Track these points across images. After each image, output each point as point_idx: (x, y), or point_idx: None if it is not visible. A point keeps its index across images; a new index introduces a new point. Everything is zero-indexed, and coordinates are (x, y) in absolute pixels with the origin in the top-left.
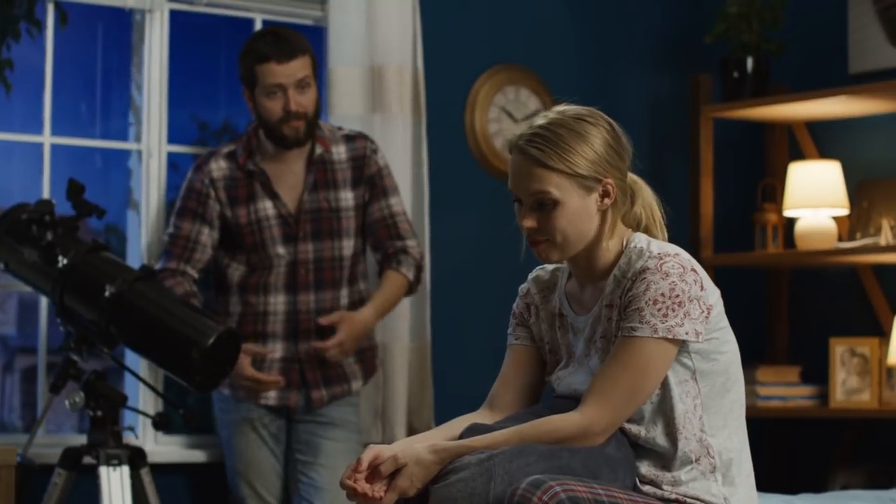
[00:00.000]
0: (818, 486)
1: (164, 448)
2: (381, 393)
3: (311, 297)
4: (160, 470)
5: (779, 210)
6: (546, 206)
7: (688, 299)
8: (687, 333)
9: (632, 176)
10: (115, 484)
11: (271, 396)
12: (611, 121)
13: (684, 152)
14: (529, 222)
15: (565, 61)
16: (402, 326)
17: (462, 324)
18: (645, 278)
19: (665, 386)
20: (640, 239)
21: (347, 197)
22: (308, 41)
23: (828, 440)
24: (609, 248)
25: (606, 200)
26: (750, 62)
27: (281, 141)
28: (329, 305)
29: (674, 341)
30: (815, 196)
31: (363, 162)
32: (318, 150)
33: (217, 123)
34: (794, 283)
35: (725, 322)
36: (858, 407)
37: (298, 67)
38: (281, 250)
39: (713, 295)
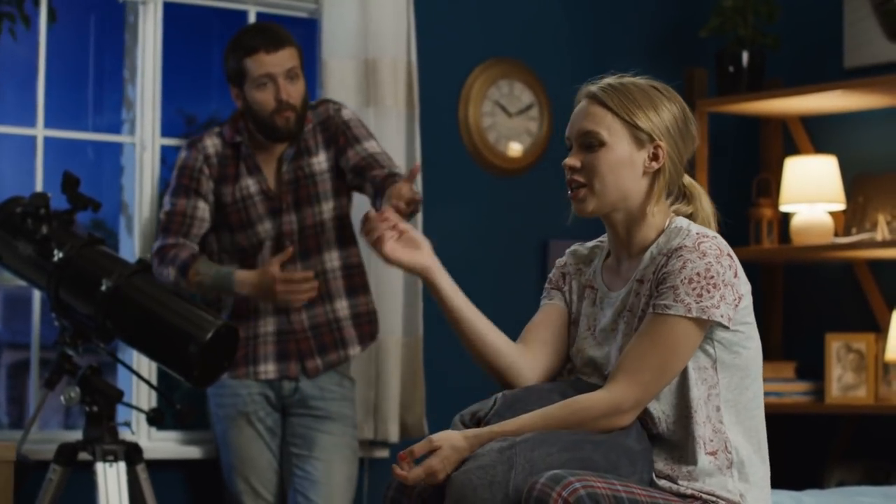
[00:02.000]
0: (814, 483)
1: (158, 444)
2: (375, 388)
3: (298, 268)
4: (154, 466)
5: (774, 205)
6: (593, 148)
7: (722, 282)
8: (721, 316)
9: (692, 181)
10: (111, 480)
11: (270, 371)
12: (684, 104)
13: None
14: (572, 160)
15: (559, 55)
16: (394, 321)
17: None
18: (681, 256)
19: (683, 370)
20: (681, 220)
21: (321, 160)
22: (299, 35)
23: (823, 436)
24: (653, 223)
25: (654, 164)
26: (745, 56)
27: (273, 133)
28: (317, 270)
29: (705, 322)
30: (811, 191)
31: (328, 123)
32: None
33: (204, 117)
34: (789, 279)
35: (752, 318)
36: (854, 403)
37: (287, 57)
38: (268, 225)
39: (745, 286)
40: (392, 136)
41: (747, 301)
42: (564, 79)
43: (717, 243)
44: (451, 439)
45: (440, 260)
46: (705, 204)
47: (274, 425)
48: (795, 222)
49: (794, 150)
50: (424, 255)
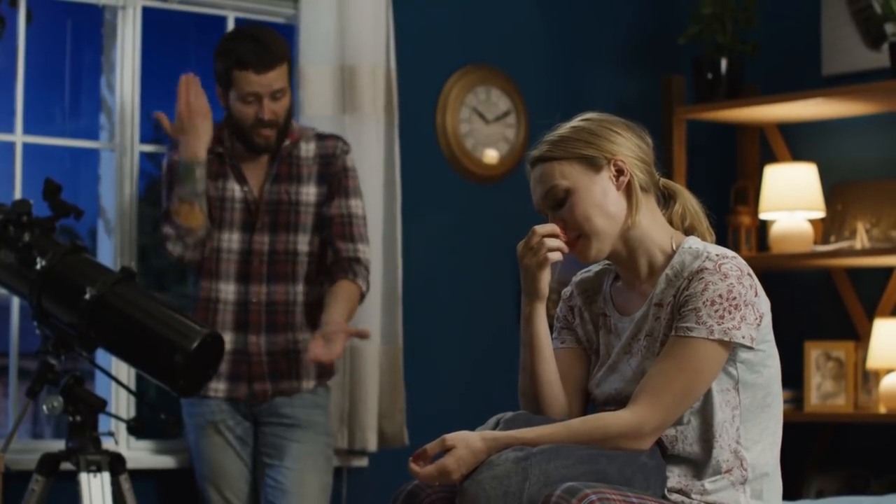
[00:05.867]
0: (793, 492)
1: (133, 453)
2: (348, 396)
3: (262, 289)
4: (129, 475)
5: (751, 212)
6: (562, 201)
7: (744, 303)
8: (743, 337)
9: (667, 181)
10: (95, 491)
11: (220, 389)
12: (613, 116)
13: (657, 154)
14: (554, 224)
15: (536, 62)
16: (373, 329)
17: (434, 326)
18: (703, 278)
19: (707, 392)
20: (694, 241)
21: (309, 192)
22: (286, 42)
23: (802, 445)
24: (654, 242)
25: (622, 178)
26: (724, 63)
27: (251, 147)
28: (281, 299)
29: (728, 344)
30: (791, 199)
31: (331, 160)
32: (286, 142)
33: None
34: (767, 287)
35: (772, 336)
36: (833, 411)
37: (276, 78)
38: (235, 236)
39: (765, 303)
40: (371, 144)
41: (768, 319)
42: (541, 85)
43: (737, 263)
44: (468, 439)
45: (417, 266)
46: (689, 200)
47: (244, 434)
48: (775, 230)
49: (772, 158)
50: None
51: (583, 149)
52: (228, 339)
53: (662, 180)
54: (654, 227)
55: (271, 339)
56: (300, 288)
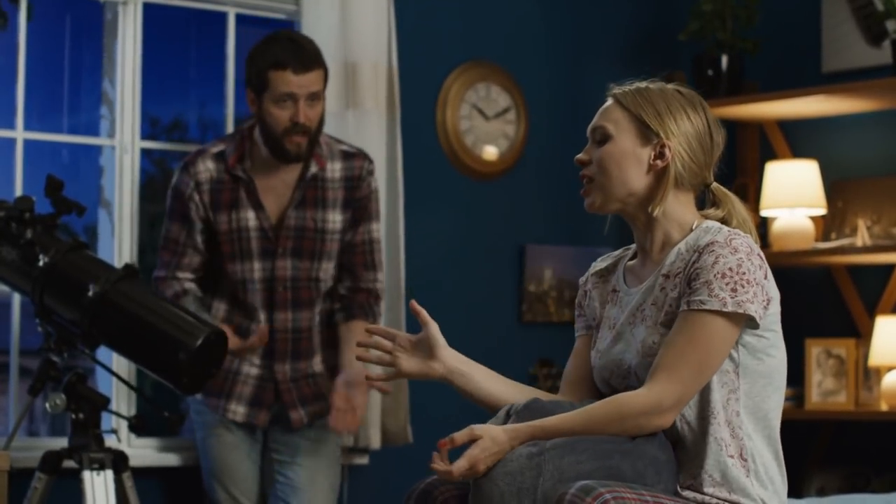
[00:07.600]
0: (794, 489)
1: (136, 451)
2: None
3: (288, 316)
4: (133, 473)
5: (752, 210)
6: (601, 143)
7: (754, 280)
8: (755, 312)
9: (720, 187)
10: (98, 489)
11: (239, 412)
12: (709, 111)
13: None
14: (581, 155)
15: (537, 58)
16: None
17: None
18: (713, 251)
19: None
20: (712, 222)
21: (336, 220)
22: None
23: (803, 442)
24: (675, 220)
25: (659, 162)
26: (724, 60)
27: (281, 154)
28: (305, 325)
29: (741, 317)
30: (791, 196)
31: (357, 183)
32: (313, 168)
33: (167, 119)
34: None
35: (779, 327)
36: (834, 409)
37: (313, 80)
38: (257, 265)
39: (774, 291)
40: (373, 140)
41: (775, 308)
42: (541, 82)
43: (747, 241)
44: (492, 432)
45: (418, 263)
46: (738, 207)
47: (254, 432)
48: (776, 227)
49: (772, 155)
50: (437, 363)
51: (648, 114)
52: (256, 362)
53: (714, 184)
54: (678, 212)
55: (295, 366)
56: (316, 309)
